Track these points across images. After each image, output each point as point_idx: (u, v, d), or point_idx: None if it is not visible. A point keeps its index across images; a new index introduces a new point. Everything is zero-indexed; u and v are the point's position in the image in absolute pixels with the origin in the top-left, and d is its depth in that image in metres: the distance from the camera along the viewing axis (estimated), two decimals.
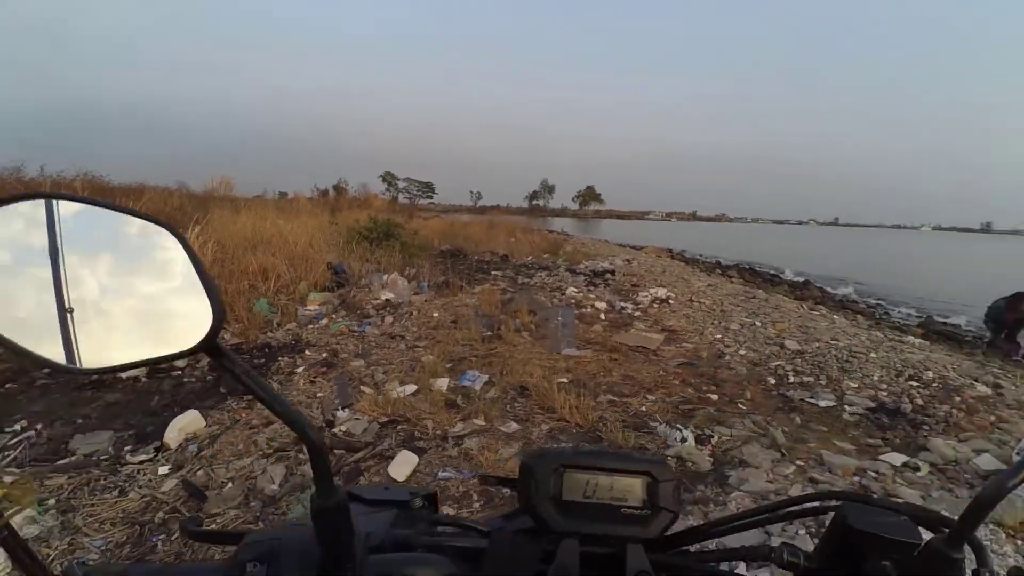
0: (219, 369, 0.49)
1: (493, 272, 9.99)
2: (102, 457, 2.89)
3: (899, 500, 0.41)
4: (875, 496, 0.48)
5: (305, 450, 0.39)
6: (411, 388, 3.75)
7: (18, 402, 3.57)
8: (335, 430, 3.14)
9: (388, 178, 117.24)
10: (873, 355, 5.20)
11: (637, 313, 6.78)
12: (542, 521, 0.49)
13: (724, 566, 0.52)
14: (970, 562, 0.40)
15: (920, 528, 0.43)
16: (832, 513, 0.46)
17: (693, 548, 0.54)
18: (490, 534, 0.51)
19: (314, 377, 4.03)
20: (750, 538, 1.97)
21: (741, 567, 1.81)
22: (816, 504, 0.49)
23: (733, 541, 1.39)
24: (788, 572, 0.47)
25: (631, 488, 0.50)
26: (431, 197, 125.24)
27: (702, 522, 0.54)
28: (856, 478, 2.84)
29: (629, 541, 0.48)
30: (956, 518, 0.38)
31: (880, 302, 13.05)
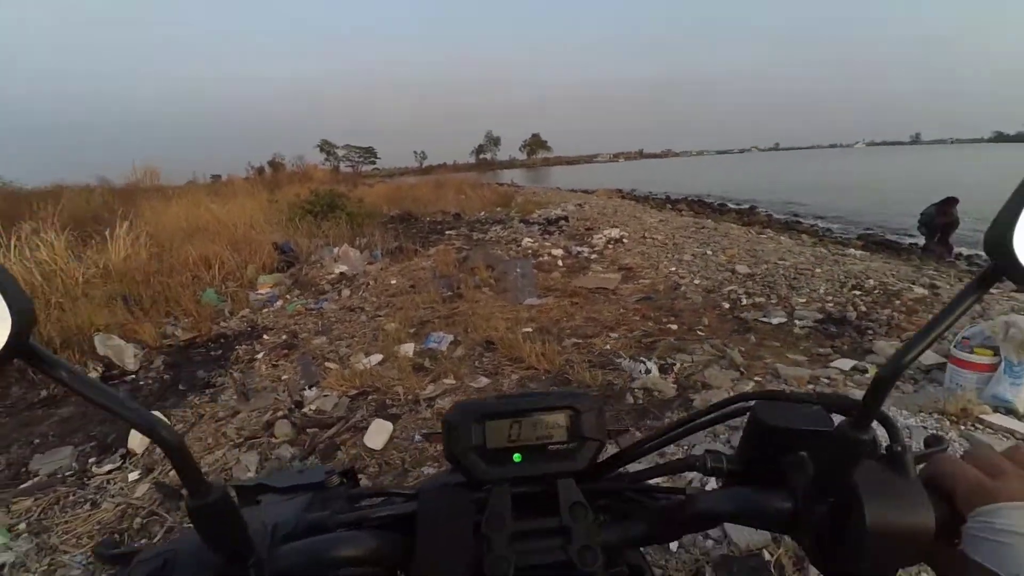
0: (42, 375, 0.44)
1: (447, 232, 9.87)
2: (67, 473, 2.80)
3: (810, 391, 0.41)
4: (787, 391, 0.49)
5: (165, 455, 0.35)
6: (377, 358, 3.72)
7: None
8: (305, 410, 3.10)
9: (326, 147, 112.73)
10: (819, 270, 5.45)
11: (593, 256, 6.87)
12: (469, 473, 0.48)
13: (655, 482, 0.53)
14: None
15: (833, 415, 0.43)
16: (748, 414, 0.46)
17: (626, 471, 0.54)
18: (418, 495, 0.50)
19: (276, 361, 3.94)
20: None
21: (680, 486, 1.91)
22: (733, 407, 0.49)
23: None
24: (713, 478, 0.47)
25: (555, 424, 0.49)
26: (374, 163, 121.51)
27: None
28: (810, 386, 3.02)
29: (559, 477, 0.48)
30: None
31: (819, 220, 13.60)
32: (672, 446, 2.54)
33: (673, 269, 5.89)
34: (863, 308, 4.39)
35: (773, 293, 4.86)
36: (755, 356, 3.51)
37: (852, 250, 7.72)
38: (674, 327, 4.10)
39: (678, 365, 3.38)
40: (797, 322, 4.12)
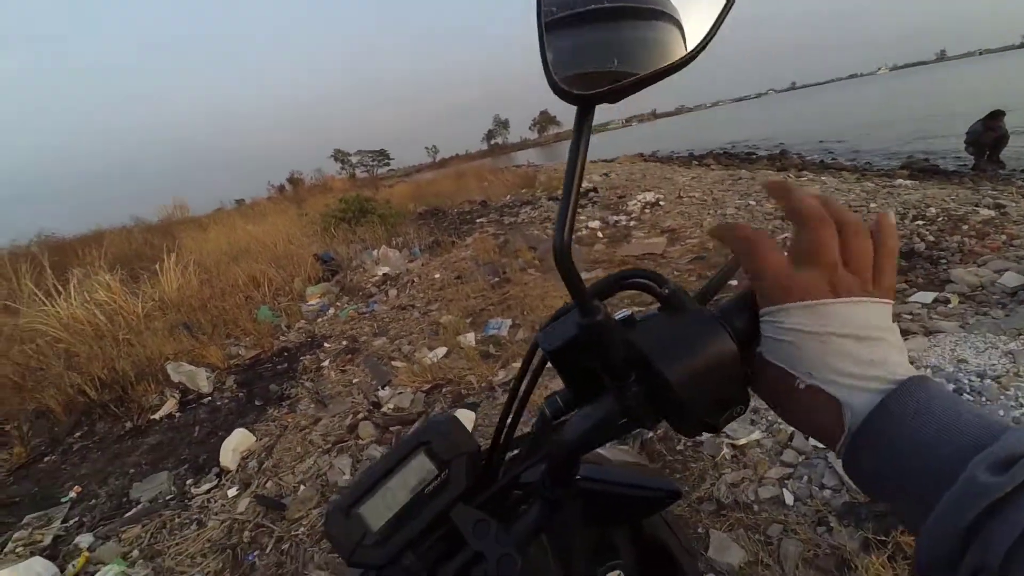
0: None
1: (478, 220, 9.85)
2: (167, 497, 2.90)
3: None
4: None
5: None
6: (442, 351, 3.74)
7: (63, 471, 3.54)
8: (383, 409, 3.15)
9: (340, 156, 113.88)
10: (873, 205, 5.23)
11: (632, 223, 6.75)
12: (371, 567, 0.48)
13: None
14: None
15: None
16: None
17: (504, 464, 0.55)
18: None
19: (343, 366, 4.01)
20: None
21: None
22: (530, 358, 0.50)
23: None
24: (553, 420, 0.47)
25: (419, 468, 0.50)
26: (388, 164, 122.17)
27: None
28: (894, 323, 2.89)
29: (451, 511, 0.48)
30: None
31: (856, 154, 13.03)
32: None
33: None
34: (930, 238, 4.19)
35: None
36: None
37: (900, 180, 7.38)
38: (733, 282, 3.99)
39: None
40: None
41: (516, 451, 0.59)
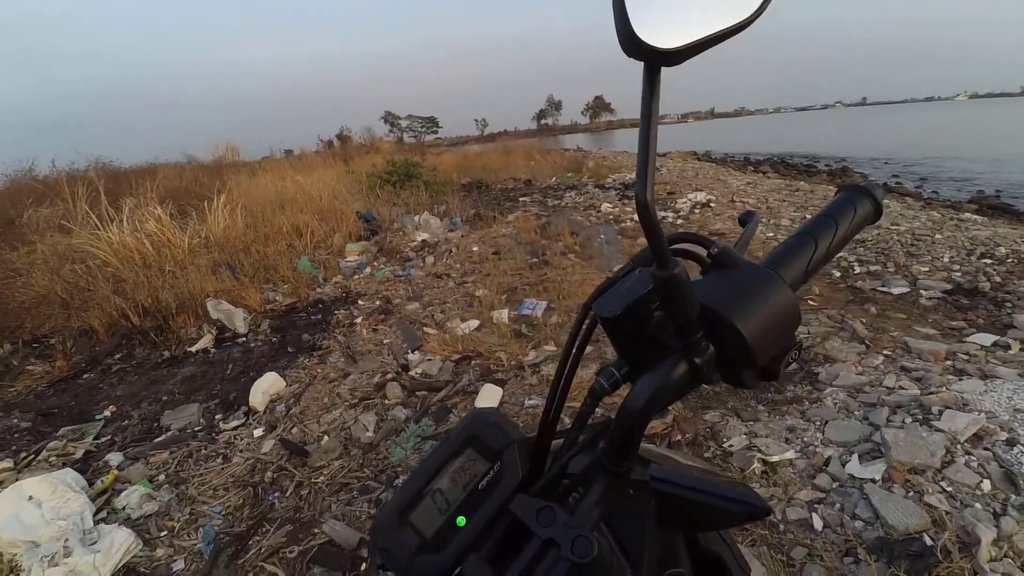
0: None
1: (521, 199, 9.77)
2: (196, 428, 2.99)
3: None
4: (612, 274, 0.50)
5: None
6: (474, 323, 3.74)
7: (100, 390, 3.69)
8: (412, 373, 3.17)
9: (390, 119, 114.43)
10: (939, 236, 4.97)
11: (679, 221, 6.59)
12: (432, 574, 0.46)
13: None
14: None
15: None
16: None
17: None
18: None
19: (375, 325, 4.05)
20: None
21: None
22: (583, 329, 0.51)
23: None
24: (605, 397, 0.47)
25: (469, 462, 0.48)
26: (436, 132, 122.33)
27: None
28: (948, 362, 2.75)
29: (509, 504, 0.45)
30: None
31: (923, 181, 12.42)
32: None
33: (771, 235, 5.54)
34: (997, 278, 3.96)
35: (889, 261, 4.47)
36: (879, 328, 3.25)
37: (968, 214, 7.00)
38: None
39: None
40: (922, 292, 3.77)
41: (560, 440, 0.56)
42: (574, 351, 0.50)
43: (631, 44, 0.32)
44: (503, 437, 0.49)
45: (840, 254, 3.98)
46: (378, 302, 4.61)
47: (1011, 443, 2.03)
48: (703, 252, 0.48)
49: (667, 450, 0.81)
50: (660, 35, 0.32)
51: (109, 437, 3.00)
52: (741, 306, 0.41)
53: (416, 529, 0.46)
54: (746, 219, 0.58)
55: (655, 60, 0.33)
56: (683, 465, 0.59)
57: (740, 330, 0.40)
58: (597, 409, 0.50)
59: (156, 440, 2.90)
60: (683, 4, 0.33)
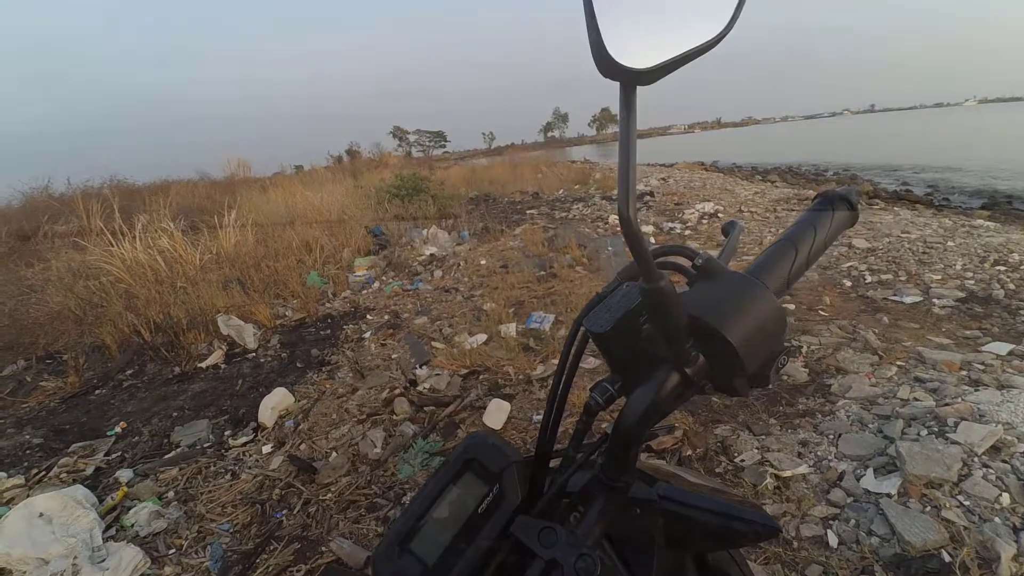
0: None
1: (528, 211, 9.80)
2: (205, 445, 2.99)
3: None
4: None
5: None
6: (482, 337, 3.74)
7: (111, 406, 3.71)
8: (419, 388, 3.16)
9: (398, 133, 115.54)
10: (951, 244, 4.91)
11: (687, 232, 6.57)
12: None
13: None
14: None
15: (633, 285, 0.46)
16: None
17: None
18: None
19: (383, 340, 4.06)
20: None
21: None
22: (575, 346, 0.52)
23: None
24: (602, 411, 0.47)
25: (469, 489, 0.48)
26: (444, 146, 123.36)
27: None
28: (963, 372, 2.70)
29: (512, 524, 0.46)
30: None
31: (932, 188, 12.31)
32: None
33: None
34: (1011, 285, 3.90)
35: (900, 269, 4.42)
36: (892, 338, 3.20)
37: (980, 220, 6.91)
38: (792, 307, 3.83)
39: (805, 348, 3.14)
40: (935, 301, 3.71)
41: (558, 459, 0.57)
42: (567, 368, 0.51)
43: (606, 65, 0.33)
44: (501, 459, 0.49)
45: (820, 259, 3.95)
46: (386, 316, 4.63)
47: None
48: (688, 264, 0.49)
49: (675, 467, 0.80)
50: (633, 56, 0.33)
51: (119, 453, 3.02)
52: (728, 315, 0.42)
53: (418, 557, 0.45)
54: (728, 229, 0.59)
55: (630, 80, 0.34)
56: (691, 483, 0.58)
57: (728, 338, 0.41)
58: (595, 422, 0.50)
59: (166, 456, 2.91)
60: (655, 26, 0.34)
